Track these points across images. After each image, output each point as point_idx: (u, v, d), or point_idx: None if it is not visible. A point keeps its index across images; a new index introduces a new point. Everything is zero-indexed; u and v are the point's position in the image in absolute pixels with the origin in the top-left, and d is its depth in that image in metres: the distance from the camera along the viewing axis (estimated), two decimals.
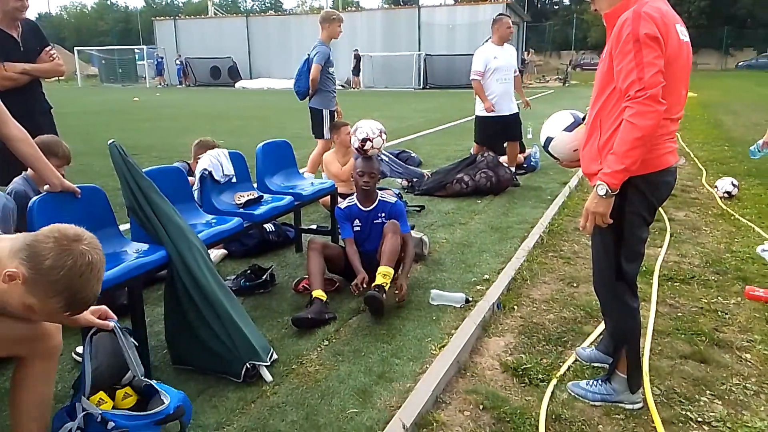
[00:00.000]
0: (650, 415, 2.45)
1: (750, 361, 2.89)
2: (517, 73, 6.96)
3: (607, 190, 2.10)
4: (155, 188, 2.80)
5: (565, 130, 2.53)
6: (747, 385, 2.68)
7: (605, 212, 2.16)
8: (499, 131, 6.84)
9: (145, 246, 2.82)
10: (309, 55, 6.30)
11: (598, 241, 2.41)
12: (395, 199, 4.00)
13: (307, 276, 3.66)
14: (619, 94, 2.12)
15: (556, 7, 68.79)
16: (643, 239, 2.38)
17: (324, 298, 3.33)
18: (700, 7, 53.61)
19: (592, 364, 2.83)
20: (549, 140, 2.58)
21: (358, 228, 3.83)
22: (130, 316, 2.70)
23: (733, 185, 6.04)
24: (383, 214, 3.81)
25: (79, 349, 2.82)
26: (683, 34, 2.19)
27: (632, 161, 2.05)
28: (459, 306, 3.47)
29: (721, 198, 6.05)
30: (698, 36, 52.46)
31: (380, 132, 4.43)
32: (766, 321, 3.32)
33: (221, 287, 2.76)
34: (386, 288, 3.34)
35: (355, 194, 3.91)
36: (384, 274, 3.37)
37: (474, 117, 7.11)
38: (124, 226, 3.12)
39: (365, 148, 4.33)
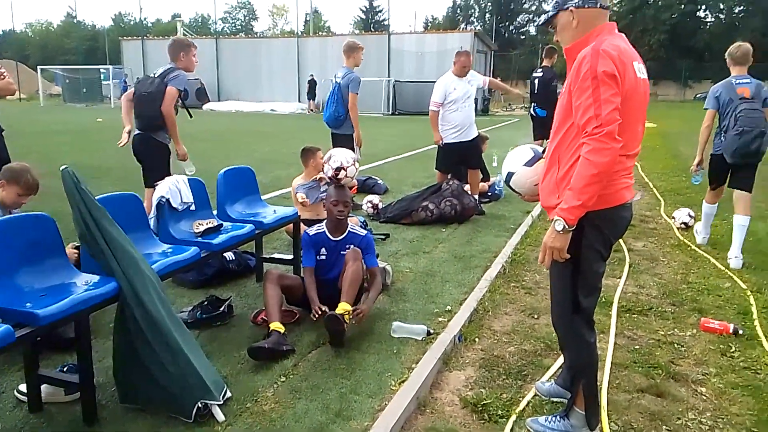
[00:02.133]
0: None
1: (705, 395, 2.93)
2: (485, 84, 7.07)
3: (564, 226, 2.11)
4: (108, 217, 2.71)
5: (525, 164, 2.56)
6: (702, 419, 2.71)
7: (562, 247, 2.17)
8: (458, 159, 6.92)
9: (95, 277, 2.72)
10: (338, 83, 6.66)
11: (555, 276, 2.41)
12: (365, 231, 3.99)
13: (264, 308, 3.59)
14: (577, 129, 2.15)
15: (523, 37, 70.63)
16: (600, 274, 2.40)
17: (282, 330, 3.26)
18: (660, 40, 55.74)
19: (552, 398, 2.82)
20: (510, 175, 2.61)
21: (323, 257, 3.78)
22: (77, 350, 2.59)
23: (690, 216, 6.20)
24: (350, 246, 3.77)
25: (22, 387, 2.69)
26: (640, 71, 2.23)
27: (589, 197, 2.06)
28: (420, 338, 3.43)
29: (678, 229, 6.19)
30: (658, 68, 54.46)
31: (353, 161, 4.46)
32: (721, 353, 3.37)
33: (174, 321, 2.67)
34: (346, 320, 3.29)
35: (326, 222, 3.87)
36: (345, 310, 3.32)
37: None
38: None
39: (339, 176, 4.32)
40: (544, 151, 2.57)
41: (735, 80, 4.93)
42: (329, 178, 4.38)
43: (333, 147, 6.72)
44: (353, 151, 6.53)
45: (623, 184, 2.25)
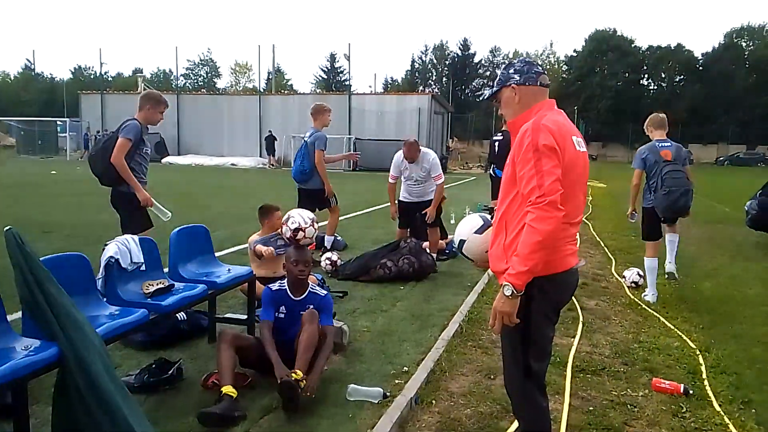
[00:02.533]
0: None
1: None
2: (439, 181, 7.05)
3: (513, 291, 2.15)
4: (52, 279, 2.62)
5: (475, 232, 2.64)
6: None
7: (512, 311, 2.20)
8: (418, 216, 7.09)
9: (36, 342, 2.60)
10: (305, 141, 7.19)
11: (506, 341, 2.45)
12: (325, 292, 3.98)
13: (216, 371, 3.48)
14: (521, 198, 2.24)
15: (478, 100, 73.27)
16: (550, 338, 2.45)
17: (234, 395, 3.16)
18: (607, 106, 58.71)
19: None
20: (462, 242, 2.68)
21: (282, 315, 3.74)
22: (13, 418, 2.44)
23: (639, 276, 6.38)
24: (311, 306, 3.74)
25: None
26: (579, 144, 2.36)
27: (534, 263, 2.13)
28: (376, 402, 3.37)
29: (629, 287, 6.36)
30: (606, 131, 57.21)
31: (312, 221, 4.49)
32: (672, 414, 3.41)
33: (118, 387, 2.56)
34: (301, 386, 3.21)
35: (286, 281, 3.86)
36: (299, 377, 3.25)
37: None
38: (18, 314, 2.88)
39: (297, 237, 4.32)
40: (489, 222, 2.65)
41: (658, 143, 5.64)
42: (287, 239, 4.37)
43: (299, 201, 7.11)
44: (323, 203, 7.07)
45: (568, 251, 2.35)
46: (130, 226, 4.72)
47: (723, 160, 52.82)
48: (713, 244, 9.64)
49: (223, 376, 3.24)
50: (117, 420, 2.46)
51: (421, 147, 7.06)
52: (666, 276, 6.41)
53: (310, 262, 3.86)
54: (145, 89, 44.32)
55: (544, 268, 2.20)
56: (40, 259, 2.67)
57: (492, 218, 2.64)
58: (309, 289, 3.86)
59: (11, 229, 2.59)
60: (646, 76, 66.24)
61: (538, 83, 2.40)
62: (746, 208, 9.66)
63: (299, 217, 4.40)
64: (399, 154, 7.05)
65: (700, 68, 63.10)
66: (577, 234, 2.43)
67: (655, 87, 66.25)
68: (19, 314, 2.83)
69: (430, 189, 7.12)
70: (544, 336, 2.40)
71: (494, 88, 2.50)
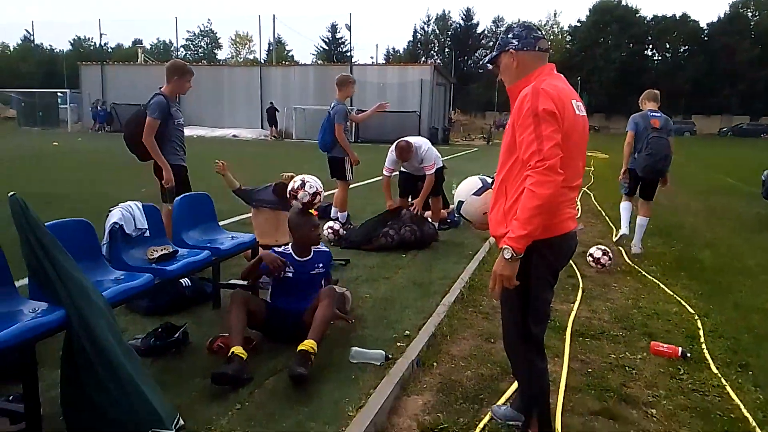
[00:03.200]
0: None
1: (655, 417, 3.00)
2: (429, 172, 7.01)
3: (512, 254, 2.18)
4: (58, 244, 2.65)
5: (473, 194, 2.67)
6: None
7: (511, 275, 2.23)
8: (419, 184, 7.13)
9: (43, 305, 2.64)
10: (329, 112, 7.22)
11: (505, 305, 2.50)
12: (327, 248, 4.10)
13: (222, 334, 3.54)
14: (521, 162, 2.26)
15: (481, 71, 72.51)
16: (548, 301, 2.49)
17: (244, 356, 3.21)
18: (610, 77, 58.10)
19: (507, 422, 2.84)
20: (460, 203, 2.72)
21: (290, 274, 3.80)
22: (22, 380, 2.50)
23: (602, 252, 5.82)
24: (320, 265, 3.88)
25: None
26: (579, 109, 2.36)
27: (534, 227, 2.15)
28: (379, 364, 3.43)
29: (594, 263, 5.85)
30: (610, 103, 56.74)
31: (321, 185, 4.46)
32: (670, 376, 3.47)
33: (124, 349, 2.61)
34: (311, 359, 3.25)
35: (291, 245, 3.92)
36: (311, 347, 3.28)
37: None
38: (24, 281, 2.93)
39: (315, 201, 4.25)
40: (492, 182, 2.66)
41: (649, 113, 6.36)
42: (305, 203, 4.25)
43: (330, 169, 7.44)
44: (341, 173, 7.29)
45: (567, 215, 2.37)
46: (167, 197, 4.98)
47: (726, 131, 52.45)
48: (714, 215, 9.65)
49: (234, 336, 3.29)
50: (124, 382, 2.51)
51: (411, 141, 7.02)
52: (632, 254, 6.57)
53: (319, 224, 4.01)
54: (145, 61, 44.11)
55: (544, 231, 2.23)
56: (46, 224, 2.70)
57: (491, 181, 2.66)
58: (312, 249, 3.94)
59: (15, 195, 2.60)
60: (650, 47, 65.48)
61: (537, 48, 2.39)
62: (763, 178, 9.55)
63: (314, 181, 4.32)
64: (392, 150, 7.05)
65: (705, 39, 62.28)
66: (577, 199, 2.44)
67: (659, 58, 65.49)
68: (26, 281, 2.87)
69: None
70: (542, 299, 2.44)
71: (493, 54, 2.50)
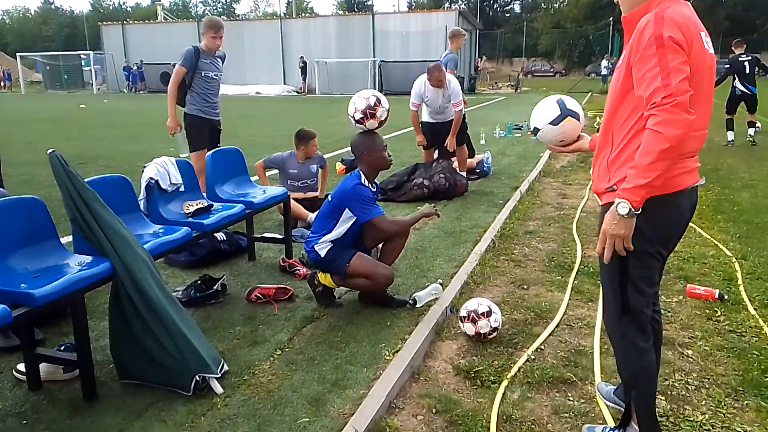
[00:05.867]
0: (599, 409, 2.53)
1: (691, 357, 3.01)
2: (458, 108, 6.88)
3: (629, 209, 1.85)
4: (98, 198, 2.71)
5: (550, 123, 2.42)
6: (688, 380, 2.79)
7: (627, 234, 1.90)
8: (443, 135, 6.99)
9: (88, 258, 2.73)
10: (440, 60, 7.49)
11: (604, 272, 2.19)
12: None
13: (259, 285, 3.64)
14: (632, 105, 1.97)
15: (507, 15, 70.35)
16: (654, 271, 2.14)
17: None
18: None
19: (610, 404, 2.57)
20: (536, 130, 2.50)
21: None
22: (74, 330, 2.61)
23: None
24: (377, 190, 3.76)
25: (21, 367, 2.72)
26: (708, 44, 2.00)
27: (658, 175, 1.82)
28: (438, 295, 3.61)
29: None
30: None
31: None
32: (707, 318, 3.46)
33: (169, 299, 2.70)
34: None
35: (362, 175, 3.56)
36: None
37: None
38: (68, 238, 3.02)
39: (376, 113, 3.70)
40: (570, 111, 2.42)
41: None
42: (382, 121, 3.72)
43: None
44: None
45: (684, 168, 2.00)
46: (190, 143, 5.43)
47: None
48: (752, 155, 9.37)
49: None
50: (170, 329, 2.61)
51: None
52: None
53: None
54: (165, 18, 43.80)
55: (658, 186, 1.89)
56: (85, 181, 2.76)
57: (569, 106, 2.42)
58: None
59: (54, 151, 2.65)
60: None
61: None
62: None
63: (370, 91, 3.85)
64: (420, 82, 6.81)
65: None
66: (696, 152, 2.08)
67: None
68: (70, 238, 2.96)
69: (452, 111, 6.93)
70: (645, 269, 2.08)
71: None
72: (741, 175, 7.71)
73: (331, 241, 3.50)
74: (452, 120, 6.93)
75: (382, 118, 3.69)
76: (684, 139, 1.81)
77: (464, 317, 3.18)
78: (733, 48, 10.62)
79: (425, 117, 7.11)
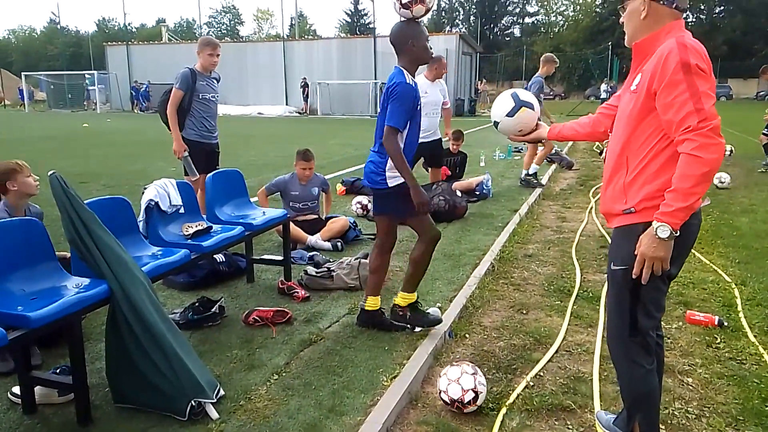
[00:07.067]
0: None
1: (691, 385, 2.98)
2: (448, 105, 7.28)
3: (670, 232, 1.90)
4: (97, 220, 2.72)
5: (507, 115, 2.63)
6: (689, 408, 2.76)
7: (666, 256, 1.96)
8: (424, 156, 7.14)
9: (86, 280, 2.72)
10: (528, 84, 8.47)
11: (612, 291, 2.24)
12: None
13: (258, 308, 3.63)
14: (651, 128, 2.02)
15: (508, 39, 71.07)
16: (662, 292, 2.18)
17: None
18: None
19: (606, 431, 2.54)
20: (496, 123, 2.71)
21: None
22: (69, 353, 2.59)
23: None
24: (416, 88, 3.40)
25: (16, 389, 2.69)
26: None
27: (697, 198, 1.89)
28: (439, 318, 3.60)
29: None
30: None
31: None
32: (707, 345, 3.43)
33: (166, 322, 2.69)
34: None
35: (404, 71, 3.31)
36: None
37: None
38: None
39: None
40: (525, 102, 2.60)
41: None
42: (429, 8, 3.30)
43: None
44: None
45: None
46: (189, 169, 5.37)
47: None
48: (751, 179, 9.40)
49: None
50: (167, 352, 2.60)
51: None
52: None
53: None
54: (169, 39, 44.28)
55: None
56: (84, 202, 2.76)
57: (524, 98, 2.61)
58: None
59: (55, 173, 2.67)
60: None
61: (674, 5, 2.05)
62: None
63: None
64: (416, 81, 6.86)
65: None
66: None
67: (694, 19, 63.10)
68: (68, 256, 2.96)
69: (435, 128, 7.00)
70: (655, 289, 2.11)
71: None
72: (740, 200, 7.73)
73: None
74: (436, 140, 7.02)
75: (430, 5, 3.27)
76: (720, 164, 1.87)
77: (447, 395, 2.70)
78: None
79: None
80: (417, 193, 3.23)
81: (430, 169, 7.45)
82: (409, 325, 3.50)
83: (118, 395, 2.70)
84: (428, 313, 3.51)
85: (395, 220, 3.50)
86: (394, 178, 3.31)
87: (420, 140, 7.01)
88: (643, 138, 2.05)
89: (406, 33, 3.28)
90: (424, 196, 3.29)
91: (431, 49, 3.39)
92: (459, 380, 2.66)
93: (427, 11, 3.30)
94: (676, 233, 1.91)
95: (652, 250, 1.95)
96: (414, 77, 3.32)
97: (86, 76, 39.56)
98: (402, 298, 3.51)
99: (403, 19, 3.32)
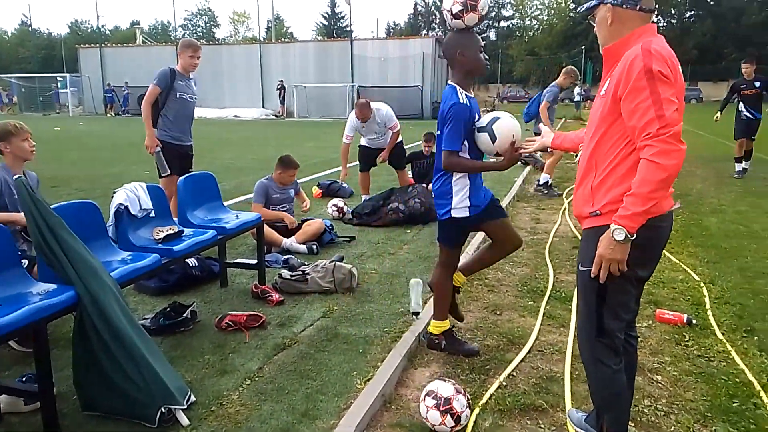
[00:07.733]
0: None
1: (660, 383, 3.03)
2: (397, 129, 7.30)
3: (626, 235, 1.94)
4: (64, 225, 2.67)
5: (493, 144, 2.90)
6: (658, 406, 2.80)
7: (623, 258, 1.99)
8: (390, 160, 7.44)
9: (52, 286, 2.67)
10: (541, 92, 8.54)
11: (581, 293, 2.28)
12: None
13: (230, 312, 3.60)
14: (618, 133, 2.05)
15: (483, 43, 71.54)
16: (631, 297, 2.22)
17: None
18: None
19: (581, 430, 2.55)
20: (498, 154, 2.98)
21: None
22: (35, 360, 2.53)
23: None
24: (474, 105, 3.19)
25: None
26: (681, 74, 2.09)
27: (654, 203, 1.92)
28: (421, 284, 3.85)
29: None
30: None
31: None
32: (676, 343, 3.49)
33: (135, 328, 2.65)
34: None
35: (457, 88, 3.05)
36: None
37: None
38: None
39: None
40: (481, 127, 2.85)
41: None
42: (482, 16, 3.06)
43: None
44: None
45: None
46: (159, 168, 5.33)
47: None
48: (720, 180, 9.60)
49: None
50: (136, 359, 2.56)
51: (371, 103, 7.11)
52: None
53: None
54: (143, 42, 43.73)
55: None
56: (51, 207, 2.71)
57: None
58: None
59: (20, 177, 2.62)
60: (656, 13, 64.38)
61: (639, 8, 2.06)
62: None
63: None
64: (353, 116, 7.11)
65: (711, 2, 61.09)
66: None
67: (665, 23, 64.36)
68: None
69: (389, 138, 7.31)
70: (623, 293, 2.14)
71: (592, 3, 2.18)
72: (710, 200, 7.88)
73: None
74: (399, 142, 7.33)
75: (483, 12, 3.03)
76: (679, 169, 1.90)
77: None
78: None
79: (363, 141, 7.46)
80: (499, 166, 3.05)
81: (397, 172, 7.62)
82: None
83: (86, 402, 2.65)
84: (465, 342, 3.39)
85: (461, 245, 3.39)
86: (459, 209, 3.12)
87: (371, 145, 7.35)
88: (610, 143, 2.08)
89: (455, 43, 3.08)
90: (508, 158, 3.02)
91: (487, 60, 3.17)
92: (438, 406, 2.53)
93: (481, 20, 3.08)
94: (632, 237, 1.95)
95: (609, 252, 1.99)
96: (469, 91, 3.11)
97: (58, 78, 38.86)
98: (435, 326, 3.35)
99: (455, 29, 3.12)
